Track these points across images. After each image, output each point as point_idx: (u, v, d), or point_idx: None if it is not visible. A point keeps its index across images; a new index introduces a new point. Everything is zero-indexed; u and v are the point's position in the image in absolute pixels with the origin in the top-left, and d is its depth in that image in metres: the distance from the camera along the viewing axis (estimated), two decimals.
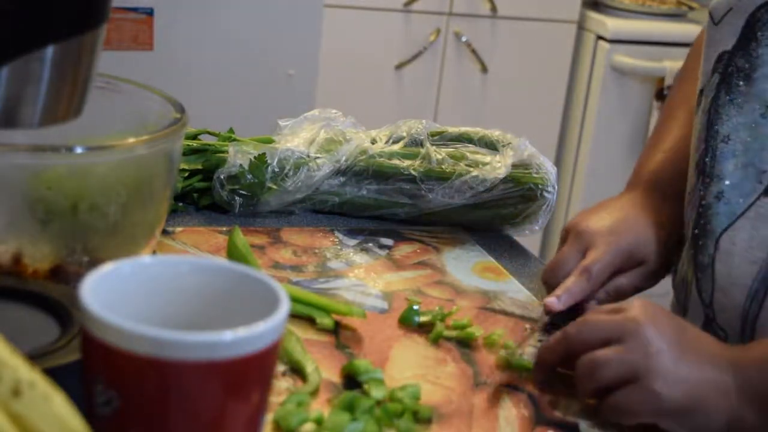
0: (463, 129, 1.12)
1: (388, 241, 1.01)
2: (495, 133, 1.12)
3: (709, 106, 0.86)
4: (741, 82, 0.83)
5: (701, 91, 0.88)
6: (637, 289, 0.93)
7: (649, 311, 0.72)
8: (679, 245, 0.93)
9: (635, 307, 0.72)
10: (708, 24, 0.88)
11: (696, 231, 0.86)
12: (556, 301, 0.87)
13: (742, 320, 0.83)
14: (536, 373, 0.77)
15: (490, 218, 1.08)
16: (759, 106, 0.82)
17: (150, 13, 1.80)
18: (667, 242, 0.93)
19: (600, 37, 2.68)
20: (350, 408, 0.68)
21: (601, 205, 0.97)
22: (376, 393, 0.70)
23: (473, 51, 2.62)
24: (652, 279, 0.94)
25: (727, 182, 0.83)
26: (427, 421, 0.70)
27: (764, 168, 0.81)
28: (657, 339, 0.70)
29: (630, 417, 0.70)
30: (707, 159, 0.85)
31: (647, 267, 0.92)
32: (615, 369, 0.70)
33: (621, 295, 0.92)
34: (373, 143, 1.08)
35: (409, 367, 0.77)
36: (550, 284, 0.91)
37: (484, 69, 2.64)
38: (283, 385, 0.72)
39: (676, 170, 0.94)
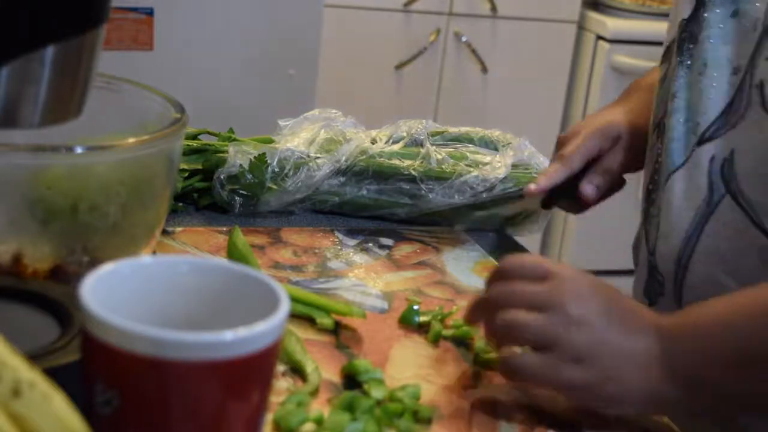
0: (463, 129, 1.12)
1: (388, 241, 1.01)
2: (495, 133, 1.12)
3: (665, 71, 0.92)
4: (690, 45, 0.88)
5: (663, 59, 0.94)
6: (625, 168, 1.01)
7: (576, 283, 0.72)
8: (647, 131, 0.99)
9: (561, 278, 0.72)
10: (673, 1, 0.95)
11: (650, 186, 0.92)
12: (535, 185, 0.99)
13: (676, 265, 0.87)
14: (466, 320, 0.77)
15: (490, 218, 1.08)
16: (699, 65, 0.87)
17: (150, 13, 1.80)
18: (636, 122, 1.01)
19: (600, 37, 2.68)
20: (350, 408, 0.68)
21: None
22: (376, 393, 0.70)
23: (473, 51, 2.62)
24: (630, 152, 1.00)
25: (673, 138, 0.88)
26: (427, 421, 0.70)
27: (698, 121, 0.86)
28: (579, 312, 0.70)
29: (530, 380, 0.71)
30: (663, 119, 0.90)
31: (623, 143, 1.00)
32: (532, 334, 0.70)
33: (612, 175, 1.00)
34: (373, 143, 1.08)
35: (409, 367, 0.77)
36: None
37: (484, 69, 2.64)
38: (283, 385, 0.72)
39: (647, 87, 1.03)
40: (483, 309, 0.74)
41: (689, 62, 0.88)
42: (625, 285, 1.03)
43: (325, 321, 0.81)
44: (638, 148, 0.99)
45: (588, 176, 1.00)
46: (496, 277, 0.75)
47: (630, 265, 0.98)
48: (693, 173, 0.86)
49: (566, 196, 1.02)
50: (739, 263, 0.82)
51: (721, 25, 0.85)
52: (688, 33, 0.88)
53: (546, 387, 0.71)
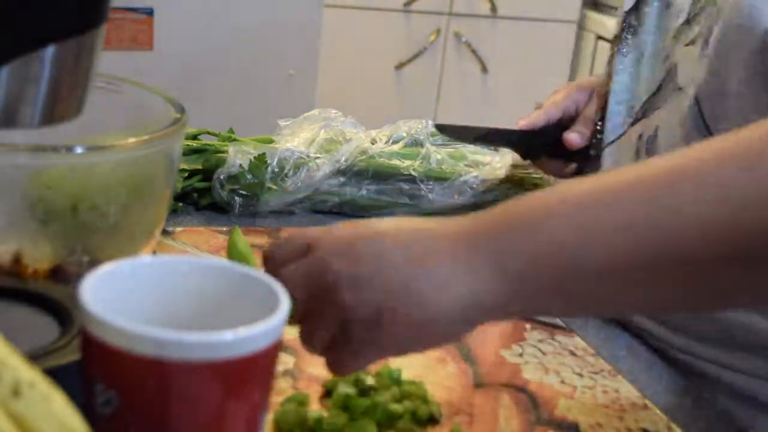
0: None
1: None
2: None
3: (609, 56, 1.00)
4: (629, 36, 0.95)
5: (611, 43, 1.01)
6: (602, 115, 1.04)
7: (332, 244, 0.59)
8: None
9: (322, 241, 0.60)
10: None
11: (592, 170, 0.98)
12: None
13: None
14: None
15: None
16: (637, 54, 0.94)
17: (150, 13, 1.80)
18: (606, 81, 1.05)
19: (600, 37, 2.68)
20: (348, 408, 0.68)
21: None
22: (385, 393, 0.70)
23: (473, 51, 2.62)
24: (605, 99, 1.03)
25: (609, 117, 0.96)
26: (427, 421, 0.70)
27: (633, 104, 0.94)
28: (340, 270, 0.57)
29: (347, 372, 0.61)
30: (605, 99, 0.98)
31: (597, 91, 1.04)
32: (300, 288, 0.59)
33: (594, 122, 1.03)
34: (373, 143, 1.08)
35: (409, 367, 0.77)
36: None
37: (484, 69, 2.64)
38: (283, 385, 0.72)
39: None
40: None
41: (625, 50, 0.95)
42: None
43: None
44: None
45: (571, 127, 1.04)
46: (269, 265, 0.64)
47: None
48: (622, 148, 0.94)
49: (549, 152, 1.05)
50: None
51: (657, 19, 0.93)
52: (627, 24, 0.96)
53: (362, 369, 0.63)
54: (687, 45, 0.87)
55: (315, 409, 0.69)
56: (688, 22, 0.88)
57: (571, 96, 1.06)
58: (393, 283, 0.56)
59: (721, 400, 0.83)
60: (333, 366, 0.61)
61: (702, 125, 0.82)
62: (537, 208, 0.56)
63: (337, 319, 0.58)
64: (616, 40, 0.98)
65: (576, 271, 0.54)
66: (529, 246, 0.55)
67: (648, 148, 0.90)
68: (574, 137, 1.02)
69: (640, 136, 0.92)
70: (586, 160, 1.03)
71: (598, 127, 1.00)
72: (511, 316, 0.65)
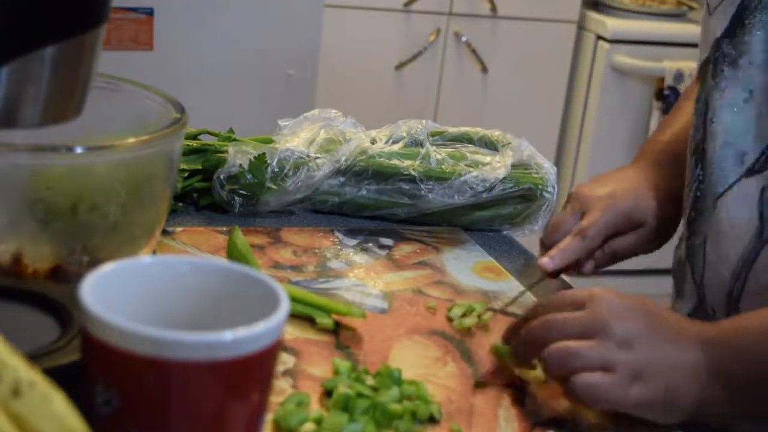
0: (463, 129, 1.12)
1: (388, 241, 1.01)
2: (495, 133, 1.12)
3: (701, 92, 0.89)
4: (725, 68, 0.85)
5: (698, 79, 0.91)
6: (633, 253, 0.97)
7: (613, 304, 0.72)
8: (675, 220, 0.96)
9: (599, 301, 0.72)
10: (704, 15, 0.91)
11: (692, 213, 0.89)
12: (550, 260, 0.91)
13: (727, 298, 0.86)
14: (504, 340, 0.78)
15: (490, 218, 1.08)
16: (742, 91, 0.84)
17: (150, 13, 1.80)
18: (665, 210, 0.96)
19: (600, 37, 2.68)
20: (347, 408, 0.68)
21: (605, 174, 1.01)
22: (385, 393, 0.70)
23: (473, 51, 2.62)
24: (648, 244, 0.97)
25: (714, 163, 0.86)
26: (427, 421, 0.70)
27: (745, 150, 0.83)
28: (626, 331, 0.70)
29: (599, 403, 0.70)
30: (702, 144, 0.87)
31: (644, 230, 0.96)
32: (589, 359, 0.69)
33: (617, 257, 0.96)
34: (373, 143, 1.08)
35: (409, 367, 0.77)
36: (547, 246, 0.94)
37: (484, 69, 2.64)
38: (283, 385, 0.72)
39: (680, 151, 0.97)
40: (528, 342, 0.73)
41: (724, 85, 0.85)
42: (629, 285, 1.04)
43: (325, 321, 0.81)
44: (657, 241, 0.97)
45: (548, 252, 0.94)
46: (537, 311, 0.75)
47: (634, 266, 0.98)
48: (741, 203, 0.84)
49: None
50: None
51: (765, 50, 0.82)
52: (722, 53, 0.85)
53: (614, 408, 0.70)
54: None
55: (315, 409, 0.69)
56: None
57: (616, 221, 0.94)
58: (662, 371, 0.70)
59: None
60: (589, 394, 0.69)
61: None
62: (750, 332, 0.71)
63: (607, 357, 0.69)
64: (703, 72, 0.88)
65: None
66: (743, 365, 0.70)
67: None
68: (588, 268, 0.95)
69: (763, 190, 0.82)
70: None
71: (700, 178, 0.88)
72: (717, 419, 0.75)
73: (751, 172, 0.83)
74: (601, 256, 0.95)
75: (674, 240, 0.99)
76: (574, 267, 0.95)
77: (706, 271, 0.88)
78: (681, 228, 0.95)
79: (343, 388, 0.70)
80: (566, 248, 0.92)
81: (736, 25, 0.84)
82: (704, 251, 0.88)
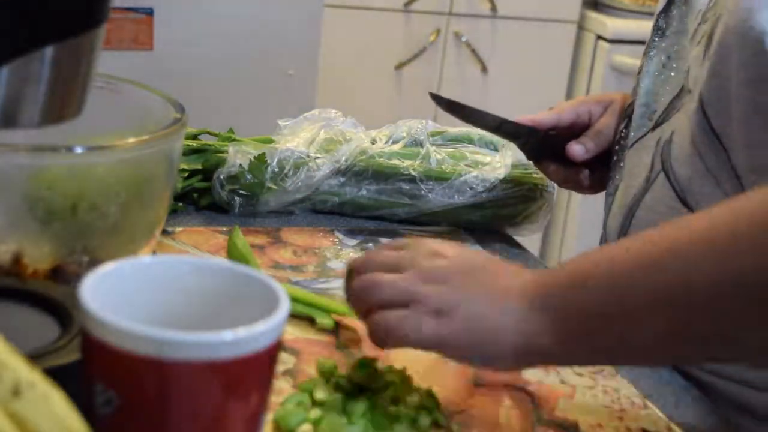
0: (463, 129, 1.12)
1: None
2: None
3: (640, 65, 0.97)
4: (657, 39, 0.94)
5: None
6: (616, 131, 1.00)
7: (431, 245, 0.70)
8: None
9: (418, 242, 0.71)
10: None
11: (614, 159, 0.97)
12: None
13: (618, 237, 0.92)
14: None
15: (490, 218, 1.08)
16: (664, 58, 0.93)
17: (150, 13, 1.80)
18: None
19: (600, 37, 2.68)
20: (344, 411, 0.68)
21: None
22: (385, 393, 0.70)
23: (473, 51, 2.62)
24: (622, 116, 1.01)
25: (633, 122, 0.94)
26: (426, 421, 0.70)
27: (655, 108, 0.92)
28: (434, 268, 0.67)
29: (395, 340, 0.67)
30: (631, 106, 0.95)
31: (615, 105, 1.01)
32: (387, 291, 0.67)
33: (602, 137, 1.00)
34: (373, 143, 1.08)
35: (409, 368, 0.77)
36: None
37: (484, 69, 2.64)
38: (283, 385, 0.72)
39: None
40: (354, 289, 0.71)
41: (653, 53, 0.94)
42: None
43: (325, 321, 0.81)
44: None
45: (578, 139, 1.01)
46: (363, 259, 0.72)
47: None
48: (641, 153, 0.91)
49: (554, 156, 1.01)
50: None
51: (680, 20, 0.91)
52: (656, 27, 0.94)
53: (414, 345, 0.67)
54: (696, 46, 0.86)
55: (315, 409, 0.69)
56: (701, 23, 0.86)
57: (587, 103, 1.02)
58: (468, 310, 0.66)
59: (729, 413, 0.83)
60: (383, 329, 0.66)
61: (708, 128, 0.81)
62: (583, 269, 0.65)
63: (405, 289, 0.66)
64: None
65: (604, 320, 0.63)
66: (575, 303, 0.64)
67: (663, 152, 0.88)
68: (577, 149, 0.99)
69: (659, 141, 0.89)
70: (593, 170, 1.02)
71: (623, 134, 0.96)
72: (554, 360, 0.70)
73: (655, 126, 0.91)
74: (588, 140, 1.00)
75: None
76: (564, 160, 1.00)
77: (609, 215, 0.95)
78: None
79: (320, 394, 0.69)
80: (537, 116, 1.01)
81: (669, 2, 0.93)
82: (613, 199, 0.95)
